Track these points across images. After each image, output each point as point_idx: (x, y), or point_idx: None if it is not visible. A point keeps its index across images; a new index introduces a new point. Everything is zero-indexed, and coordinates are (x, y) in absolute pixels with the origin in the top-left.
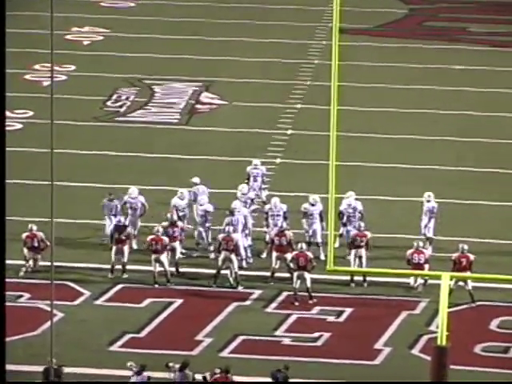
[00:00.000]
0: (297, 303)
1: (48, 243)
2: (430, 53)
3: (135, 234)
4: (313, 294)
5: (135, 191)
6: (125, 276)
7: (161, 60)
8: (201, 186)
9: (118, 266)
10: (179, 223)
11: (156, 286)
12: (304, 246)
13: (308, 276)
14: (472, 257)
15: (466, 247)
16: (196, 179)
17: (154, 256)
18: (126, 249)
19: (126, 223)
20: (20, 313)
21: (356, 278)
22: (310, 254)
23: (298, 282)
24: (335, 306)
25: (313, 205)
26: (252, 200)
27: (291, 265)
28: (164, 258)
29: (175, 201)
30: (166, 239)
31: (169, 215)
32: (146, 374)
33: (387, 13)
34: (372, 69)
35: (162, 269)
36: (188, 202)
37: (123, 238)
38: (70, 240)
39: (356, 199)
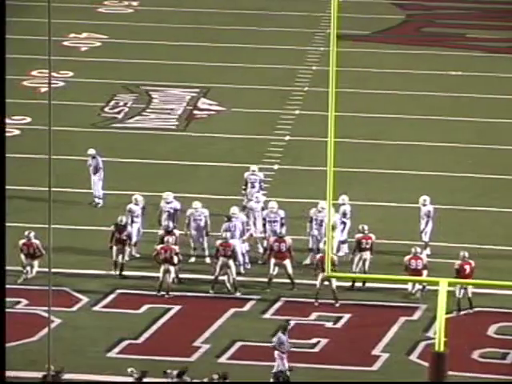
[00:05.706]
0: (316, 304)
1: (44, 251)
2: (427, 59)
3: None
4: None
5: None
6: (124, 273)
7: (159, 66)
8: (95, 159)
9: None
10: (175, 231)
11: (166, 295)
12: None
13: (334, 279)
14: (473, 263)
15: (466, 254)
16: (91, 150)
17: (163, 266)
18: (127, 248)
19: (128, 222)
20: (18, 319)
21: (356, 283)
22: (334, 258)
23: (321, 284)
24: (333, 312)
25: (320, 211)
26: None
27: (316, 267)
28: (172, 268)
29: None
30: (175, 247)
31: (165, 223)
32: (146, 380)
33: (385, 19)
34: (370, 75)
35: (169, 278)
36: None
37: (124, 238)
38: (68, 246)
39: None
